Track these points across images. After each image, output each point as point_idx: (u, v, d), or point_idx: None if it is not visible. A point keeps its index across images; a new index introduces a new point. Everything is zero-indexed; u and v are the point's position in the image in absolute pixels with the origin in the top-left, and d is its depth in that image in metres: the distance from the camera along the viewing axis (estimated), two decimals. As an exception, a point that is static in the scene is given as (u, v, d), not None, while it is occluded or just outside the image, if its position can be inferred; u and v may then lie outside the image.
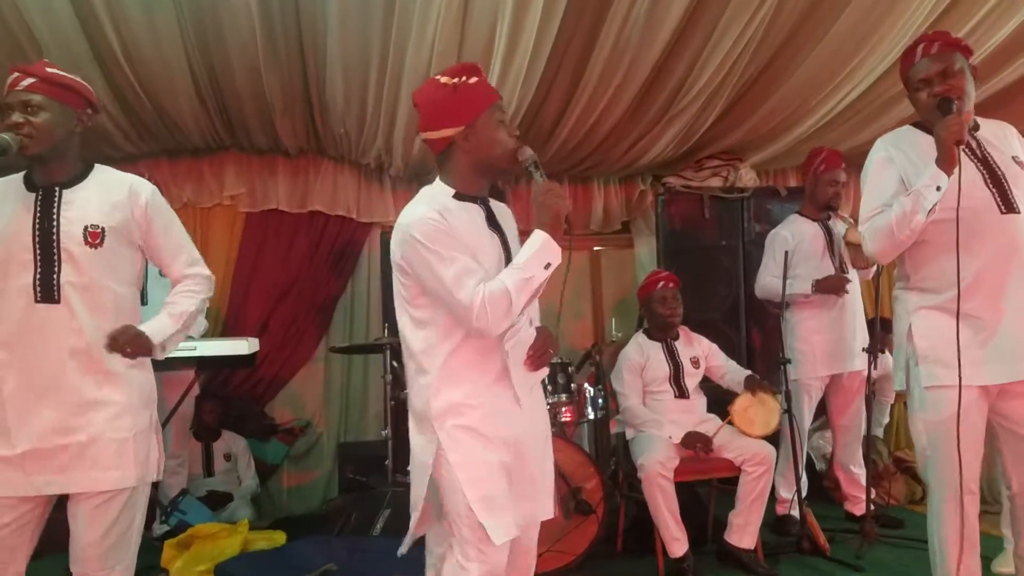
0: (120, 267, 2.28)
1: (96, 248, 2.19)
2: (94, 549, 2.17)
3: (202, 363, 3.86)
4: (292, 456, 5.22)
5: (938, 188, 2.31)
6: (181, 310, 2.37)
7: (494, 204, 2.25)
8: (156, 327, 2.28)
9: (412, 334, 2.11)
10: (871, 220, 2.47)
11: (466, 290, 1.97)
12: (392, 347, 4.22)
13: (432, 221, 2.02)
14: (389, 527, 3.86)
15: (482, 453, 2.04)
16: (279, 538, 3.95)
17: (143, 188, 2.32)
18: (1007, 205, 2.38)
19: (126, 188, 2.29)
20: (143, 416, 2.26)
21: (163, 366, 3.75)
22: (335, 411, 5.34)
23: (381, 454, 4.39)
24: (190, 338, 4.09)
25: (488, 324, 1.99)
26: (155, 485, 4.17)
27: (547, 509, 2.21)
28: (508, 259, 2.14)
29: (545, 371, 2.24)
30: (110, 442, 2.15)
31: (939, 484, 2.42)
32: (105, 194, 2.25)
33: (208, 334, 4.48)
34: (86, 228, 2.18)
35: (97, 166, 2.32)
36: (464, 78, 2.14)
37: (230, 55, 3.94)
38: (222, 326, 5.04)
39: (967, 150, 2.42)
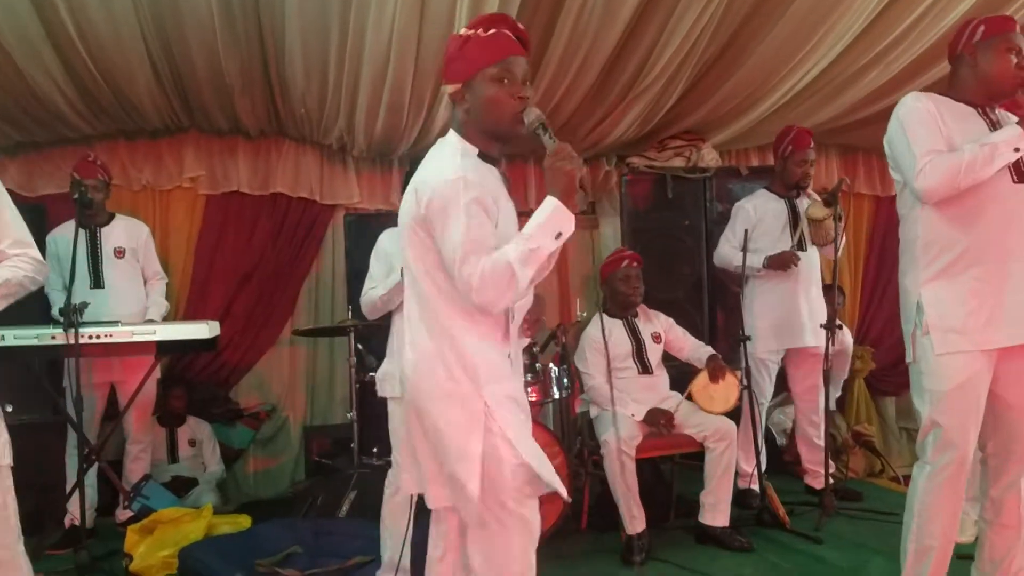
0: None
1: None
2: None
3: (162, 347, 3.81)
4: (258, 440, 5.19)
5: (1016, 150, 2.38)
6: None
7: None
8: None
9: (445, 301, 1.99)
10: (933, 157, 2.42)
11: (469, 264, 1.86)
12: (357, 330, 4.21)
13: (464, 181, 1.91)
14: (355, 509, 3.88)
15: (517, 415, 2.01)
16: (244, 522, 3.94)
17: None
18: (1020, 175, 2.45)
19: None
20: None
21: (122, 351, 3.79)
22: (301, 395, 5.32)
23: (347, 437, 4.39)
24: (150, 322, 4.06)
25: (492, 300, 1.88)
26: (119, 470, 4.21)
27: None
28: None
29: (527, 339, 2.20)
30: None
31: (943, 454, 2.45)
32: None
33: (169, 318, 4.42)
34: None
35: None
36: (479, 30, 2.00)
37: (187, 34, 3.86)
38: (184, 311, 4.98)
39: (991, 122, 2.53)
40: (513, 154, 5.30)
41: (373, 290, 3.08)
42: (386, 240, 3.17)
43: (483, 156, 2.04)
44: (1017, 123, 2.41)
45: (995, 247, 2.44)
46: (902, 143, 2.53)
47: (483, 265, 1.86)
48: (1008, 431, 2.52)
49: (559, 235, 1.88)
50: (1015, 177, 2.45)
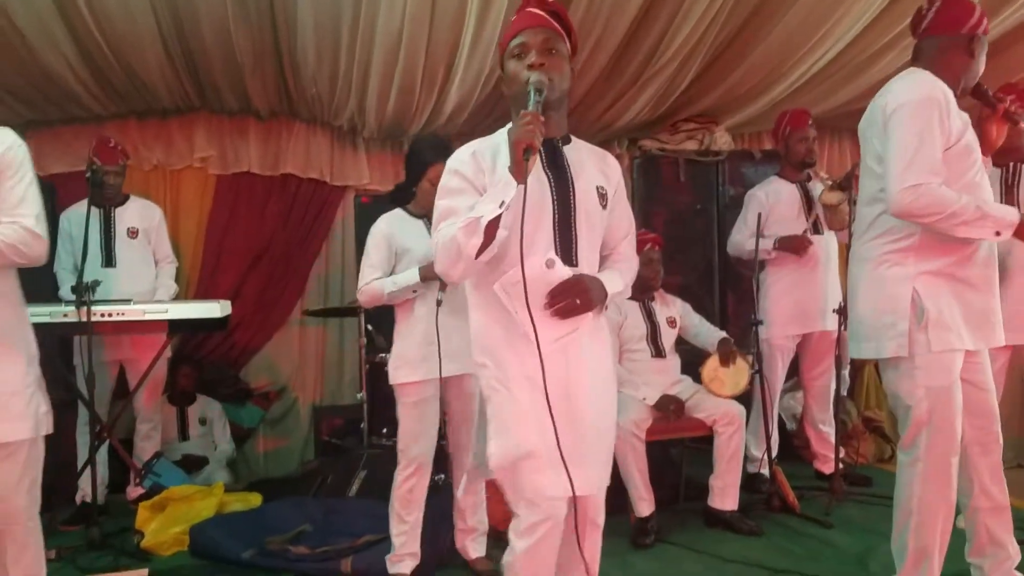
0: None
1: None
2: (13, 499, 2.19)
3: (173, 326, 3.82)
4: (268, 420, 5.22)
5: (997, 233, 2.37)
6: None
7: (577, 147, 2.13)
8: None
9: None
10: (933, 183, 2.31)
11: (435, 235, 1.99)
12: (367, 311, 4.21)
13: (458, 159, 2.05)
14: (365, 489, 3.89)
15: (511, 399, 2.02)
16: (254, 500, 3.97)
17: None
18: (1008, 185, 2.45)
19: None
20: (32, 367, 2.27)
21: (134, 329, 3.80)
22: (310, 375, 5.35)
23: (356, 417, 4.41)
24: (160, 302, 4.07)
25: (444, 269, 1.97)
26: (129, 449, 4.23)
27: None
28: (562, 202, 2.02)
29: (576, 321, 2.02)
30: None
31: (938, 449, 2.44)
32: None
33: (180, 298, 4.43)
34: None
35: None
36: (524, 6, 2.06)
37: (199, 14, 3.85)
38: (194, 291, 4.99)
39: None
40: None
41: (377, 281, 2.94)
42: (385, 224, 3.03)
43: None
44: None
45: (986, 249, 2.47)
46: (904, 136, 2.36)
47: (438, 235, 1.96)
48: (984, 414, 2.53)
49: (502, 203, 1.86)
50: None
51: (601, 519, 2.18)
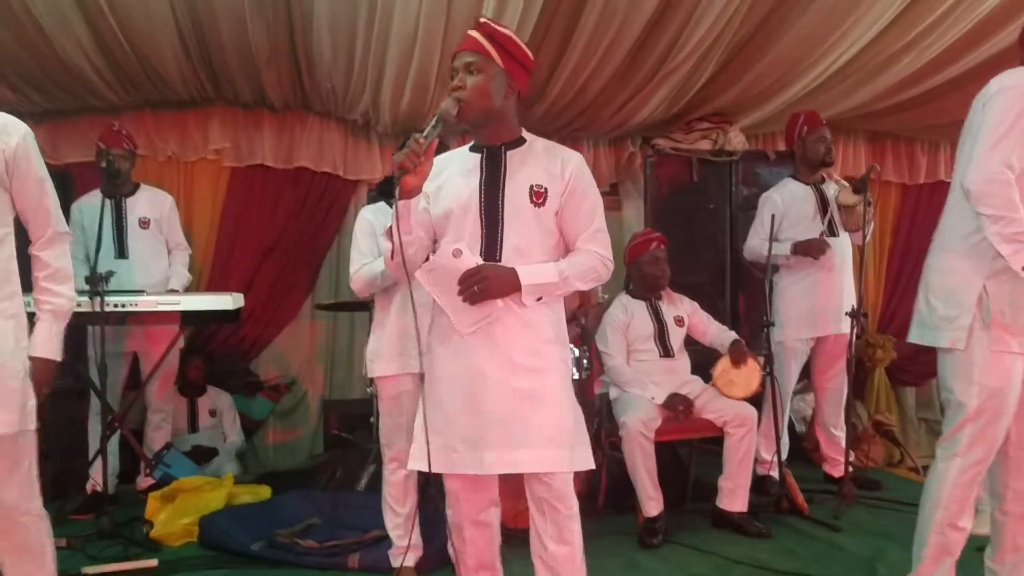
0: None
1: None
2: (13, 488, 2.17)
3: (186, 317, 3.84)
4: (277, 413, 5.23)
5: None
6: (63, 308, 2.29)
7: (526, 148, 2.27)
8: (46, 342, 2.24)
9: None
10: (1008, 178, 2.32)
11: None
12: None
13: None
14: (374, 483, 3.89)
15: (429, 398, 2.24)
16: (264, 492, 3.98)
17: (15, 128, 2.20)
18: None
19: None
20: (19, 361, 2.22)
21: (147, 320, 3.81)
22: (321, 369, 5.34)
23: (365, 411, 4.41)
24: (174, 292, 4.08)
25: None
26: (140, 439, 4.26)
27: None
28: (489, 202, 2.20)
29: (487, 308, 2.15)
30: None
31: (977, 449, 2.43)
32: None
33: (192, 290, 4.45)
34: None
35: None
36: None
37: (215, 6, 3.86)
38: (207, 282, 5.01)
39: None
40: (535, 134, 5.25)
41: (367, 266, 2.93)
42: (371, 215, 3.04)
43: (473, 147, 2.28)
44: None
45: None
46: (997, 118, 2.35)
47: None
48: None
49: (388, 228, 2.12)
50: None
51: (563, 503, 2.18)
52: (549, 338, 2.22)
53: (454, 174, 2.25)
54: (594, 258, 2.22)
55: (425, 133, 2.05)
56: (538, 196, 2.19)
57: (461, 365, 2.18)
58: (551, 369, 2.21)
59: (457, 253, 2.14)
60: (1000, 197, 2.32)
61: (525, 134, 2.30)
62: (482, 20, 2.23)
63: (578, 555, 2.20)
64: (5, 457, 2.15)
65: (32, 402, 2.22)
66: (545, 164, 2.23)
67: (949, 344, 2.46)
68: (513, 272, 2.14)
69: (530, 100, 4.83)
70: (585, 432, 2.24)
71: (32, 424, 2.22)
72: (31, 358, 2.18)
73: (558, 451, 2.14)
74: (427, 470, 2.17)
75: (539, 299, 2.18)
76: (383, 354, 2.95)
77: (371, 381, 4.20)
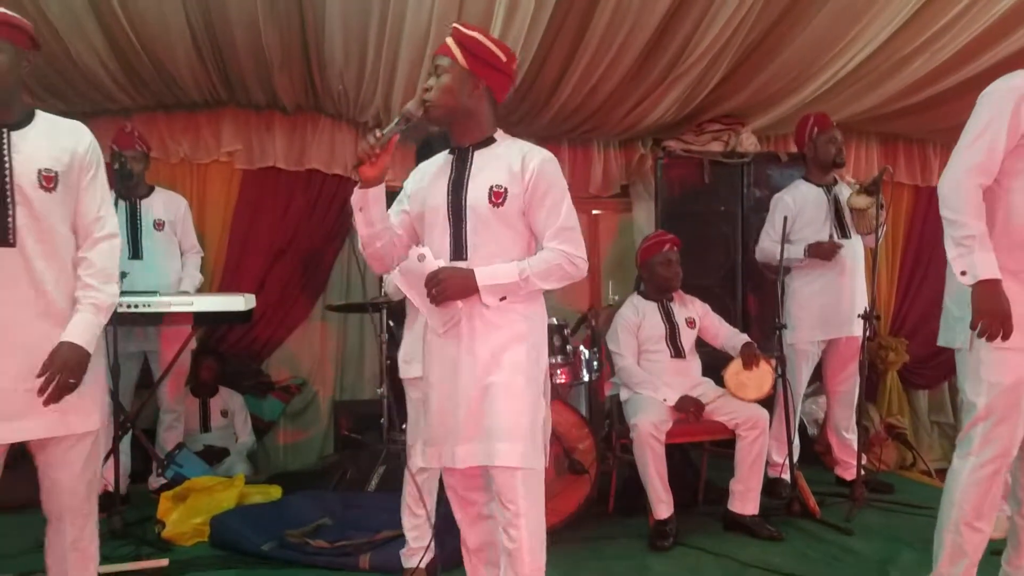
0: (68, 211, 2.27)
1: (50, 192, 2.20)
2: (75, 490, 2.26)
3: (198, 318, 3.85)
4: (288, 413, 5.24)
5: (963, 272, 2.36)
6: (105, 303, 2.28)
7: (494, 149, 2.30)
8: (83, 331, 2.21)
9: None
10: (976, 180, 2.36)
11: None
12: (389, 306, 4.22)
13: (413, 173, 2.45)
14: (384, 484, 3.91)
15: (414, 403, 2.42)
16: (275, 492, 4.00)
17: (85, 133, 2.36)
18: None
19: (69, 132, 2.34)
20: (100, 361, 2.30)
21: (160, 320, 3.83)
22: (331, 370, 5.36)
23: (376, 412, 4.42)
24: (186, 293, 4.10)
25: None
26: (152, 439, 4.27)
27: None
28: (454, 203, 2.25)
29: (451, 309, 2.21)
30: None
31: (991, 447, 2.41)
32: (53, 138, 2.28)
33: (204, 291, 4.47)
34: (40, 172, 2.19)
35: (38, 112, 2.34)
36: None
37: (228, 9, 3.88)
38: (218, 284, 5.03)
39: None
40: (546, 136, 5.27)
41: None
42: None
43: (452, 150, 2.33)
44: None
45: None
46: (972, 120, 2.43)
47: None
48: None
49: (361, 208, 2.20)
50: None
51: (508, 499, 2.14)
52: (515, 336, 2.22)
53: (432, 176, 2.34)
54: (559, 256, 2.21)
55: (385, 130, 2.12)
56: (497, 196, 2.21)
57: (440, 363, 2.27)
58: (512, 367, 2.20)
59: (421, 257, 2.23)
60: (959, 202, 2.36)
61: (498, 134, 2.33)
62: (455, 26, 2.28)
63: (526, 555, 2.14)
64: (85, 453, 2.25)
65: (108, 399, 2.33)
66: (508, 163, 2.24)
67: (960, 344, 2.48)
68: (471, 273, 2.17)
69: (540, 102, 4.83)
70: (540, 434, 2.22)
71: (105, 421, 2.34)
72: (63, 343, 2.16)
73: (505, 445, 2.13)
74: (421, 465, 2.34)
75: (503, 299, 2.19)
76: (418, 355, 2.94)
77: (381, 382, 4.30)
